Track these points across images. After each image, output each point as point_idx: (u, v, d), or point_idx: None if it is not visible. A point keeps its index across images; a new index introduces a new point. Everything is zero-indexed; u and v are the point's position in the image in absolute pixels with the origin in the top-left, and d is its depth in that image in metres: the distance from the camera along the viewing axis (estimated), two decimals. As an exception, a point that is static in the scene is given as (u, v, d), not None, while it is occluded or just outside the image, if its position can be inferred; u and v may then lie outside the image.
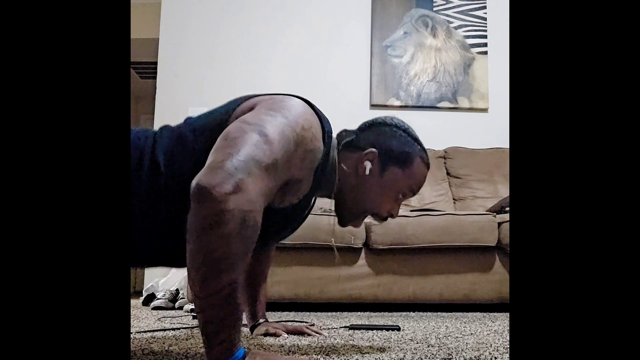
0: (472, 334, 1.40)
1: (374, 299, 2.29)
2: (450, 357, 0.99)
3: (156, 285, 2.77)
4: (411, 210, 2.40)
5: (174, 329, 1.50)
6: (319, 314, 2.10)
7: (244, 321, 1.39)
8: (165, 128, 1.04)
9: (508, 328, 1.57)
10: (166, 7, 3.46)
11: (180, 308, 2.45)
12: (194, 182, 0.80)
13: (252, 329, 1.36)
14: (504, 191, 2.95)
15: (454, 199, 3.02)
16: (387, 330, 1.47)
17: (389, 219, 1.14)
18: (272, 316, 1.90)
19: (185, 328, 1.54)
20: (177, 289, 2.66)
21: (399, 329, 1.48)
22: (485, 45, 3.48)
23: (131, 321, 1.78)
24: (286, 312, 2.17)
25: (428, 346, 1.14)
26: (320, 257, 2.27)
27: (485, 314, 2.17)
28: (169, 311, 2.34)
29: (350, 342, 1.20)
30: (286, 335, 1.30)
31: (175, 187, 0.94)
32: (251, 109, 0.97)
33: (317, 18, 3.50)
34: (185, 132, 1.00)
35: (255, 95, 1.02)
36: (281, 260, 2.23)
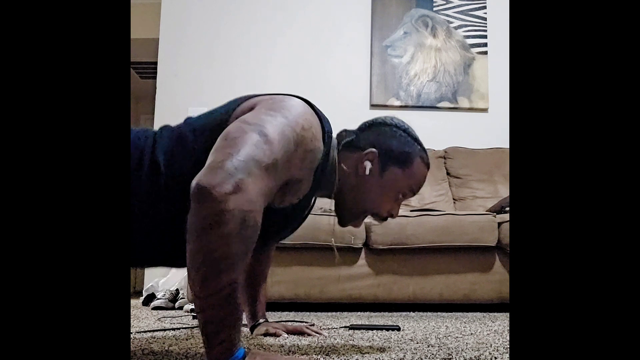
0: (472, 334, 1.40)
1: (374, 299, 2.29)
2: (450, 357, 0.99)
3: (156, 285, 2.77)
4: (411, 210, 2.40)
5: (174, 329, 1.50)
6: (319, 314, 2.10)
7: (244, 321, 1.39)
8: (165, 128, 1.04)
9: (508, 328, 1.57)
10: (166, 7, 3.46)
11: (180, 308, 2.45)
12: (193, 182, 0.80)
13: (252, 329, 1.36)
14: (504, 191, 2.95)
15: (454, 199, 3.02)
16: (387, 330, 1.47)
17: (389, 219, 1.14)
18: (272, 316, 1.90)
19: (185, 328, 1.54)
20: (177, 289, 2.66)
21: (399, 329, 1.48)
22: (485, 45, 3.48)
23: (131, 321, 1.78)
24: (286, 312, 2.17)
25: (428, 346, 1.14)
26: (320, 257, 2.27)
27: (485, 314, 2.16)
28: (169, 311, 2.34)
29: (350, 342, 1.20)
30: (286, 335, 1.30)
31: (175, 187, 0.94)
32: (251, 109, 0.97)
33: (317, 18, 3.49)
34: (185, 132, 1.00)
35: (256, 95, 1.02)
36: (281, 260, 2.23)
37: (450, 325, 1.64)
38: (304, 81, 3.42)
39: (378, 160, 1.09)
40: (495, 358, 0.98)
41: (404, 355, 1.01)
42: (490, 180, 3.02)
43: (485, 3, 3.52)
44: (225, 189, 0.78)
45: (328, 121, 1.05)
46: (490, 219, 2.31)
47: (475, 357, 0.99)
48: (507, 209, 2.48)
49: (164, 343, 1.20)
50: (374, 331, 1.46)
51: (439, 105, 3.41)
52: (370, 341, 1.23)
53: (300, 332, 1.34)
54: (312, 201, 1.18)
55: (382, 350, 1.08)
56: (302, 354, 1.03)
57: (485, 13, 3.51)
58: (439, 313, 2.19)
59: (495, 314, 2.18)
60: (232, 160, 0.82)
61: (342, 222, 1.15)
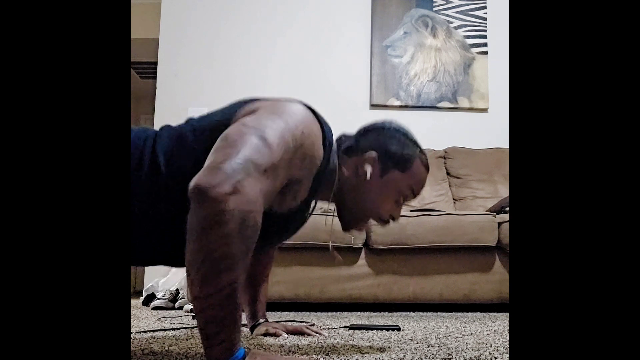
0: (472, 334, 1.40)
1: (374, 299, 2.29)
2: (450, 357, 0.99)
3: (156, 285, 2.77)
4: (411, 210, 2.40)
5: (174, 329, 1.50)
6: (319, 314, 2.10)
7: (244, 321, 1.39)
8: (165, 128, 1.04)
9: (508, 328, 1.57)
10: (166, 7, 3.46)
11: (180, 308, 2.45)
12: (192, 183, 0.80)
13: (252, 329, 1.36)
14: (504, 191, 2.95)
15: (454, 199, 3.02)
16: (387, 330, 1.47)
17: (390, 221, 1.15)
18: (272, 316, 1.90)
19: (185, 328, 1.54)
20: (177, 289, 2.66)
21: (399, 329, 1.48)
22: (485, 45, 3.48)
23: (131, 321, 1.78)
24: (286, 312, 2.17)
25: (428, 346, 1.14)
26: (320, 257, 2.27)
27: (485, 314, 2.16)
28: (169, 311, 2.34)
29: (350, 342, 1.20)
30: (286, 335, 1.30)
31: (175, 187, 0.94)
32: (253, 112, 0.97)
33: (317, 18, 3.49)
34: (186, 132, 1.00)
35: (259, 99, 1.02)
36: (281, 260, 2.23)
37: (450, 325, 1.64)
38: (304, 81, 3.42)
39: (378, 163, 1.09)
40: (495, 358, 0.98)
41: (404, 355, 1.01)
42: (490, 180, 3.02)
43: (485, 3, 3.52)
44: (224, 189, 0.78)
45: (330, 128, 1.05)
46: (490, 219, 2.31)
47: (475, 357, 0.99)
48: (507, 209, 2.48)
49: (164, 343, 1.20)
50: (374, 331, 1.46)
51: (439, 105, 3.41)
52: (370, 341, 1.23)
53: (300, 332, 1.34)
54: (313, 205, 1.18)
55: (382, 350, 1.08)
56: (302, 354, 1.03)
57: (485, 13, 3.51)
58: (439, 313, 2.19)
59: (495, 314, 2.18)
60: (231, 161, 0.82)
61: (345, 227, 1.16)
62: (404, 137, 1.12)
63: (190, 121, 1.04)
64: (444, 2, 3.50)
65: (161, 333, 1.42)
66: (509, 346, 1.14)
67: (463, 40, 3.47)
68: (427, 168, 1.13)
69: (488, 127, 3.40)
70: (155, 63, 3.44)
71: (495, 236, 2.29)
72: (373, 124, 1.15)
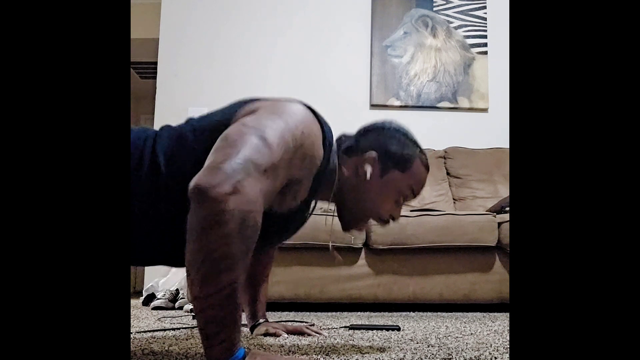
0: (472, 334, 1.40)
1: (374, 299, 2.29)
2: (450, 357, 0.99)
3: (156, 285, 2.77)
4: (411, 210, 2.40)
5: (174, 329, 1.50)
6: (319, 314, 2.10)
7: (244, 321, 1.39)
8: (165, 128, 1.04)
9: (508, 328, 1.57)
10: (166, 7, 3.46)
11: (180, 308, 2.45)
12: (192, 183, 0.80)
13: (252, 329, 1.36)
14: (504, 191, 2.95)
15: (454, 199, 3.02)
16: (387, 330, 1.47)
17: (390, 222, 1.15)
18: (272, 316, 1.90)
19: (185, 328, 1.54)
20: (177, 289, 2.66)
21: (399, 329, 1.48)
22: (485, 45, 3.48)
23: (131, 321, 1.78)
24: (286, 312, 2.17)
25: (428, 346, 1.14)
26: (320, 257, 2.27)
27: (485, 314, 2.17)
28: (169, 311, 2.34)
29: (350, 342, 1.20)
30: (286, 335, 1.30)
31: (175, 187, 0.94)
32: (253, 112, 0.97)
33: (317, 18, 3.49)
34: (186, 132, 1.00)
35: (259, 99, 1.02)
36: (281, 260, 2.23)
37: (450, 325, 1.64)
38: (303, 81, 3.42)
39: (378, 163, 1.09)
40: (495, 358, 0.98)
41: (404, 355, 1.01)
42: (490, 180, 3.02)
43: (485, 3, 3.52)
44: (224, 189, 0.78)
45: (330, 128, 1.05)
46: (490, 219, 2.31)
47: (475, 357, 0.99)
48: (507, 209, 2.48)
49: (164, 343, 1.20)
50: (374, 331, 1.46)
51: (439, 105, 3.41)
52: (370, 341, 1.23)
53: (300, 332, 1.34)
54: (313, 205, 1.18)
55: (382, 350, 1.08)
56: (302, 354, 1.03)
57: (485, 13, 3.51)
58: (439, 313, 2.19)
59: (495, 314, 2.18)
60: (231, 161, 0.82)
61: (345, 227, 1.16)
62: (404, 137, 1.12)
63: (190, 121, 1.04)
64: (444, 2, 3.50)
65: (161, 333, 1.42)
66: (509, 346, 1.14)
67: (463, 40, 3.47)
68: (427, 168, 1.14)
69: (488, 127, 3.40)
70: (155, 63, 3.44)
71: (495, 236, 2.29)
72: (373, 124, 1.15)
